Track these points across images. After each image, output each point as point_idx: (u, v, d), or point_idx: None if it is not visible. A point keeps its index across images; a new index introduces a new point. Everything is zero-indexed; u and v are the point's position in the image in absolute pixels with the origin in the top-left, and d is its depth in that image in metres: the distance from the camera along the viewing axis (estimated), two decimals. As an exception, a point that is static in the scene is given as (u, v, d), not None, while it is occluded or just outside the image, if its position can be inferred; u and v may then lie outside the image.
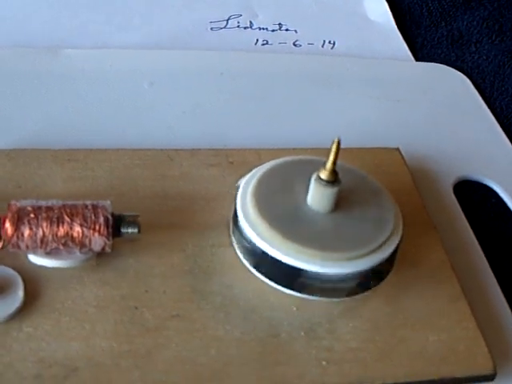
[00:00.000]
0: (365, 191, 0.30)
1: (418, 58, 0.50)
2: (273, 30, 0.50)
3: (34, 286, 0.27)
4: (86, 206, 0.28)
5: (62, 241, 0.27)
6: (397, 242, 0.29)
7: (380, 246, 0.28)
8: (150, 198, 0.32)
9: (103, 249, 0.28)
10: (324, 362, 0.27)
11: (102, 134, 0.37)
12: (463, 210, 0.36)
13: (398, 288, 0.30)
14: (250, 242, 0.28)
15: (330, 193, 0.28)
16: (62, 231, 0.27)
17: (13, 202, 0.27)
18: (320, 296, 0.28)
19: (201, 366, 0.26)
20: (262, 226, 0.27)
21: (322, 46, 0.49)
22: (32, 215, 0.27)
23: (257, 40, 0.49)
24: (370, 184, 0.31)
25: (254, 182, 0.29)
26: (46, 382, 0.24)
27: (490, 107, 0.45)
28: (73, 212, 0.27)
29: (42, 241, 0.27)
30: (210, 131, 0.39)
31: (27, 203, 0.27)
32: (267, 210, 0.28)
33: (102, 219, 0.27)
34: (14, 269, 0.27)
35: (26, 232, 0.27)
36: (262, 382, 0.26)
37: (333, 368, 0.26)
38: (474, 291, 0.31)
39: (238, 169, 0.33)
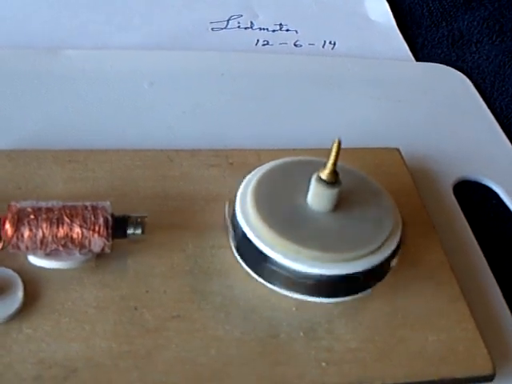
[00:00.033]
0: (364, 192, 0.30)
1: (418, 58, 0.50)
2: (273, 31, 0.50)
3: (34, 287, 0.27)
4: (86, 207, 0.28)
5: (62, 242, 0.27)
6: (396, 242, 0.29)
7: (379, 247, 0.28)
8: (151, 198, 0.32)
9: (103, 250, 0.28)
10: (323, 363, 0.27)
11: (103, 135, 0.37)
12: (463, 210, 0.36)
13: (397, 288, 0.30)
14: (250, 244, 0.28)
15: (330, 193, 0.28)
16: (61, 232, 0.27)
17: (13, 203, 0.27)
18: (319, 296, 0.28)
19: (201, 366, 0.26)
20: (262, 226, 0.27)
21: (323, 47, 0.49)
22: (32, 216, 0.27)
23: (257, 40, 0.49)
24: (370, 185, 0.31)
25: (253, 182, 0.29)
26: (46, 383, 0.24)
27: (490, 107, 0.45)
28: (72, 213, 0.27)
29: (41, 242, 0.27)
30: (211, 132, 0.39)
31: (27, 204, 0.27)
32: (267, 210, 0.28)
33: (101, 220, 0.27)
34: (13, 270, 0.27)
35: (26, 233, 0.27)
36: (262, 382, 0.26)
37: (332, 368, 0.26)
38: (474, 292, 0.31)
39: (238, 169, 0.33)
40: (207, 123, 0.40)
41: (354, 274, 0.27)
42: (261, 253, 0.27)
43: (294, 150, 0.35)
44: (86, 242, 0.27)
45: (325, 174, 0.28)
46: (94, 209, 0.28)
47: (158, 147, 0.35)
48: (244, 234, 0.28)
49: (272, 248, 0.27)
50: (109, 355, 0.26)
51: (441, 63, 0.49)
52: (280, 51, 0.48)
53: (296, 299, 0.28)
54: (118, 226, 0.28)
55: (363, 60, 0.48)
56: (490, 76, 0.48)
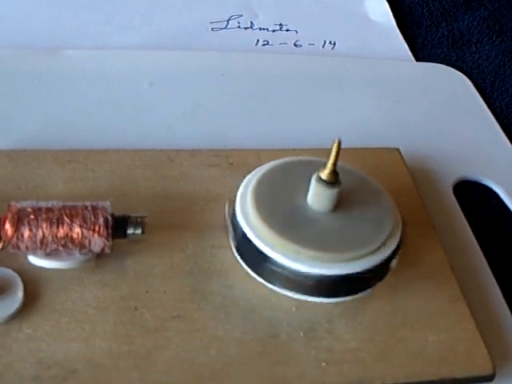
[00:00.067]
0: (364, 192, 0.30)
1: (418, 58, 0.50)
2: (273, 31, 0.50)
3: (34, 287, 0.27)
4: (86, 207, 0.28)
5: (62, 242, 0.27)
6: (396, 242, 0.29)
7: (379, 247, 0.28)
8: (151, 198, 0.32)
9: (103, 250, 0.28)
10: (323, 363, 0.27)
11: (103, 135, 0.37)
12: (463, 210, 0.36)
13: (397, 288, 0.30)
14: (250, 244, 0.28)
15: (330, 193, 0.28)
16: (61, 232, 0.27)
17: (13, 203, 0.27)
18: (319, 296, 0.28)
19: (201, 366, 0.26)
20: (262, 226, 0.27)
21: (323, 47, 0.49)
22: (32, 216, 0.27)
23: (257, 40, 0.49)
24: (370, 184, 0.31)
25: (253, 182, 0.29)
26: (45, 383, 0.24)
27: (490, 107, 0.45)
28: (72, 213, 0.27)
29: (41, 242, 0.27)
30: (211, 131, 0.39)
31: (27, 204, 0.27)
32: (267, 210, 0.28)
33: (101, 220, 0.27)
34: (13, 270, 0.27)
35: (26, 233, 0.27)
36: (262, 382, 0.26)
37: (332, 368, 0.26)
38: (474, 292, 0.31)
39: (238, 169, 0.33)
40: (207, 123, 0.40)
41: (354, 274, 0.27)
42: (261, 253, 0.27)
43: (294, 150, 0.35)
44: (86, 242, 0.27)
45: (325, 174, 0.28)
46: (94, 209, 0.28)
47: (158, 147, 0.35)
48: (244, 234, 0.28)
49: (272, 248, 0.27)
50: (109, 355, 0.26)
51: (441, 63, 0.49)
52: (280, 51, 0.48)
53: (296, 299, 0.28)
54: (118, 226, 0.28)
55: (363, 60, 0.48)
56: (490, 76, 0.48)
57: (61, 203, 0.28)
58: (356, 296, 0.28)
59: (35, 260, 0.28)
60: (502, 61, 0.49)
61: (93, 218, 0.27)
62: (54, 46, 0.44)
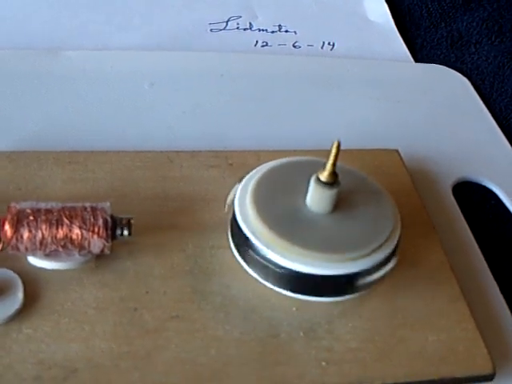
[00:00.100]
0: (364, 192, 0.30)
1: (417, 59, 0.50)
2: (272, 32, 0.50)
3: (34, 287, 0.27)
4: (85, 208, 0.28)
5: (61, 243, 0.27)
6: (396, 242, 0.29)
7: (379, 247, 0.28)
8: (151, 199, 0.32)
9: (102, 251, 0.28)
10: (323, 363, 0.27)
11: (103, 135, 0.37)
12: (462, 211, 0.36)
13: (397, 288, 0.30)
14: (249, 244, 0.28)
15: (329, 194, 0.28)
16: (61, 233, 0.27)
17: (12, 204, 0.27)
18: (319, 296, 0.28)
19: (201, 367, 0.26)
20: (262, 227, 0.27)
21: (322, 48, 0.49)
22: (31, 217, 0.27)
23: (256, 41, 0.49)
24: (370, 185, 0.31)
25: (252, 183, 0.29)
26: (46, 384, 0.24)
27: (489, 108, 0.45)
28: (72, 214, 0.27)
29: (41, 243, 0.27)
30: (210, 132, 0.39)
31: (27, 205, 0.28)
32: (266, 211, 0.28)
33: (100, 221, 0.27)
34: (13, 271, 0.27)
35: (26, 234, 0.27)
36: (262, 382, 0.26)
37: (332, 368, 0.26)
38: (473, 292, 0.31)
39: (237, 170, 0.33)
40: (207, 124, 0.40)
41: (353, 273, 0.27)
42: (260, 253, 0.27)
43: (293, 151, 0.35)
44: (86, 244, 0.27)
45: (324, 175, 0.28)
46: (94, 210, 0.28)
47: (158, 147, 0.35)
48: (244, 235, 0.28)
49: (271, 249, 0.27)
50: (109, 356, 0.26)
51: (440, 64, 0.49)
52: (279, 52, 0.48)
53: (296, 299, 0.28)
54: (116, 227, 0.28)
55: (362, 61, 0.48)
56: (490, 77, 0.48)
57: (60, 204, 0.28)
58: (356, 296, 0.28)
59: (35, 261, 0.28)
60: (501, 62, 0.49)
61: (92, 219, 0.27)
62: (54, 47, 0.44)
